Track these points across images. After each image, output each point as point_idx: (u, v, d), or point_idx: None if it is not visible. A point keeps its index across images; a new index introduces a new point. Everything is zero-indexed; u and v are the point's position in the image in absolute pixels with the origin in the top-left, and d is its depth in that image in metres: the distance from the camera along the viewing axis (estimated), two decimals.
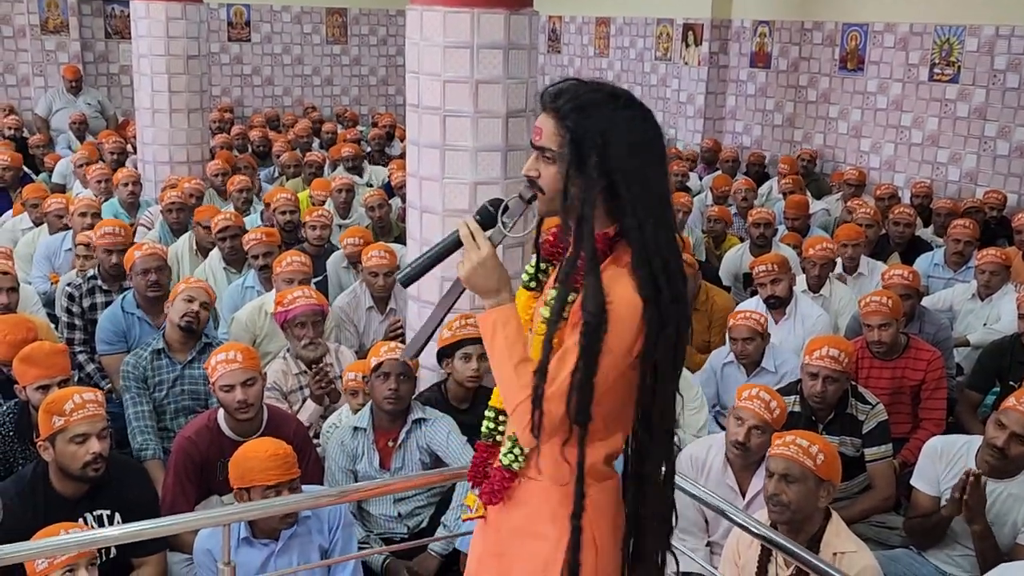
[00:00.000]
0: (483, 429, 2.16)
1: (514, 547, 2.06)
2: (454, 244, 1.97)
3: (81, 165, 8.15)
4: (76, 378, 4.60)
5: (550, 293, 1.95)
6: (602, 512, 2.01)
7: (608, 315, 1.84)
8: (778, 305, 5.20)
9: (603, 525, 2.02)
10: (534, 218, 2.05)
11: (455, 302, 2.03)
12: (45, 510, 3.25)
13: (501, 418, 2.12)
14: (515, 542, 2.06)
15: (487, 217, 1.97)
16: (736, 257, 6.88)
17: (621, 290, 1.87)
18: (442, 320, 2.05)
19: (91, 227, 5.66)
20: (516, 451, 2.01)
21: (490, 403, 2.17)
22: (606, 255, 1.92)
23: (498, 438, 2.13)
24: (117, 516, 3.41)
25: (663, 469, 2.05)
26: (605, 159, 1.86)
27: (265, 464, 3.17)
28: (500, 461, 2.05)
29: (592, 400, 1.87)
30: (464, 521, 2.14)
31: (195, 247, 6.21)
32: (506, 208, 1.96)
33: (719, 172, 9.47)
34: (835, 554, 2.91)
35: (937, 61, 8.96)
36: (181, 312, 4.36)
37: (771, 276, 5.15)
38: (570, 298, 1.91)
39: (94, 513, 3.38)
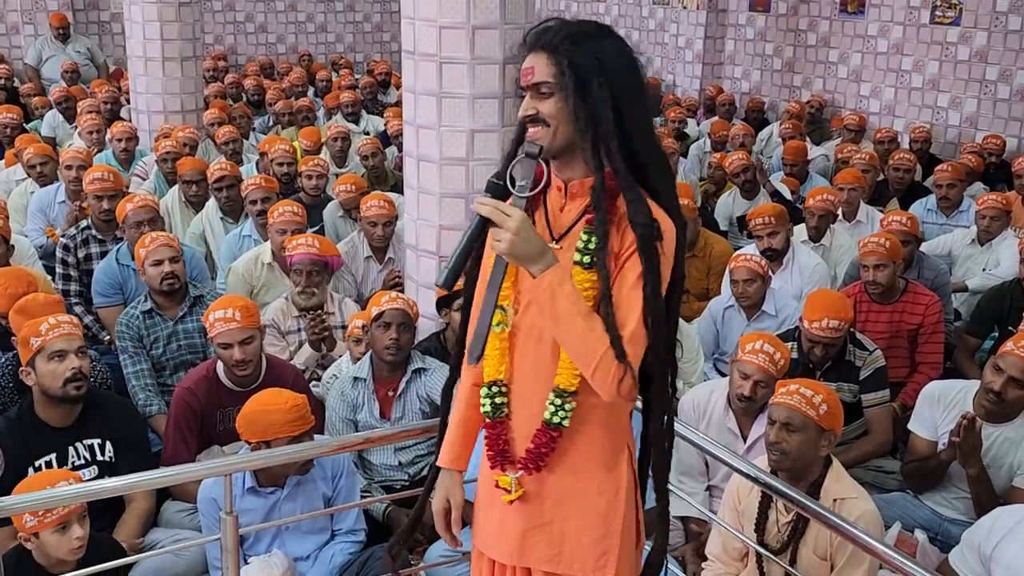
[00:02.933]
0: (488, 408, 2.05)
1: (566, 511, 2.02)
2: (480, 227, 1.90)
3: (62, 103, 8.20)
4: None
5: (582, 237, 1.92)
6: (633, 455, 2.06)
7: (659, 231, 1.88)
8: (775, 257, 5.19)
9: (635, 461, 2.06)
10: (543, 175, 1.96)
11: (501, 281, 1.97)
12: (35, 439, 3.28)
13: (504, 390, 2.05)
14: (567, 506, 2.02)
15: (498, 191, 1.92)
16: (728, 202, 6.94)
17: (658, 214, 1.90)
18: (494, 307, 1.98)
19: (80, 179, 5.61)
20: (566, 407, 1.97)
21: (486, 378, 2.07)
22: (617, 190, 1.92)
23: (506, 411, 2.06)
24: (108, 445, 3.44)
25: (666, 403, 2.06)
26: (608, 79, 1.88)
27: (288, 416, 3.16)
28: (545, 422, 1.98)
29: (663, 312, 1.89)
30: (508, 503, 2.05)
31: (183, 198, 6.16)
32: (511, 178, 1.92)
33: (717, 118, 9.41)
34: (835, 500, 2.92)
35: (939, 3, 8.84)
36: (156, 277, 4.24)
37: (768, 229, 5.12)
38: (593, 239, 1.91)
39: (84, 442, 3.41)
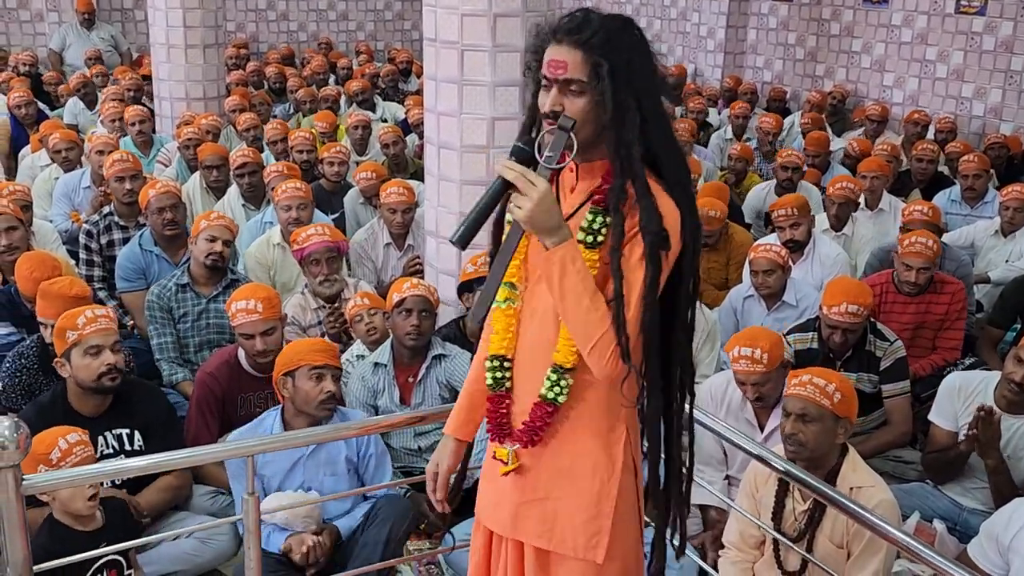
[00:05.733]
0: (489, 381, 2.09)
1: (560, 488, 2.03)
2: (500, 190, 1.87)
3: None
4: None
5: (587, 217, 1.94)
6: (635, 437, 2.05)
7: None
8: (796, 248, 5.17)
9: (637, 451, 2.05)
10: (571, 151, 1.92)
11: (515, 248, 1.96)
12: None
13: (507, 364, 2.08)
14: (561, 483, 2.03)
15: (524, 156, 1.90)
16: (760, 195, 6.83)
17: (665, 207, 1.90)
18: (505, 271, 1.98)
19: None
20: (562, 383, 1.98)
21: (491, 351, 2.09)
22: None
23: (508, 385, 2.08)
24: (136, 435, 3.49)
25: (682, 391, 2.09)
26: (633, 85, 1.89)
27: (312, 346, 3.40)
28: (542, 397, 2.00)
29: (657, 313, 1.91)
30: (503, 475, 2.10)
31: (204, 184, 6.21)
32: (538, 146, 1.91)
33: (738, 100, 9.33)
34: (852, 488, 2.91)
35: None
36: (205, 251, 4.41)
37: (790, 220, 5.11)
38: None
39: (114, 432, 3.46)
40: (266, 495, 3.32)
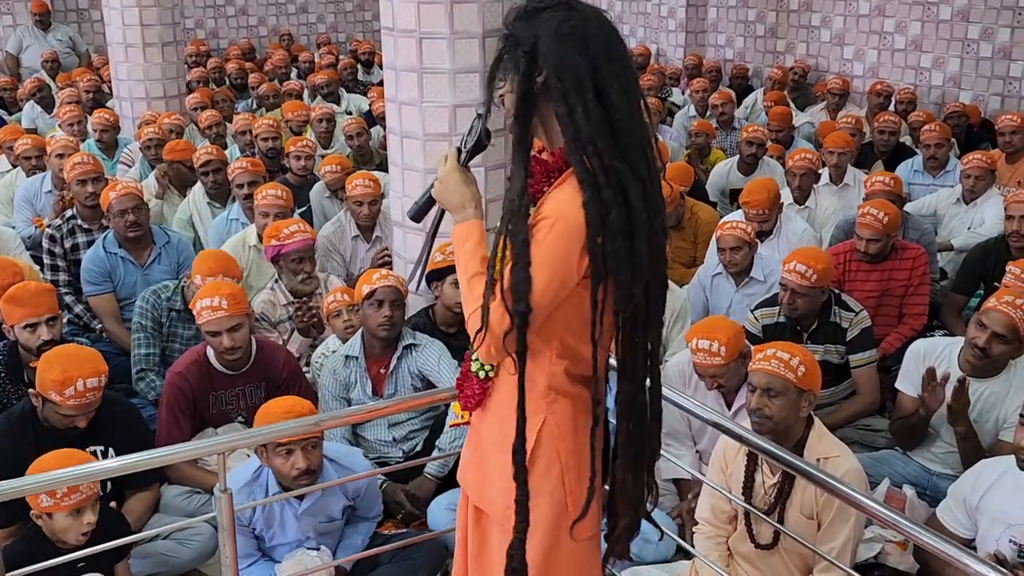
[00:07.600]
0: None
1: (492, 456, 2.09)
2: None
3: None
4: (65, 319, 4.61)
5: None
6: (564, 428, 2.02)
7: (548, 216, 1.85)
8: (764, 235, 5.20)
9: (567, 441, 2.02)
10: (487, 136, 2.02)
11: (438, 225, 2.11)
12: (36, 445, 3.27)
13: None
14: (492, 451, 2.09)
15: (478, 145, 2.04)
16: (723, 173, 6.85)
17: (564, 196, 1.86)
18: (431, 244, 2.14)
19: None
20: (478, 360, 2.07)
21: None
22: (562, 170, 1.93)
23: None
24: (111, 451, 3.45)
25: (643, 388, 2.04)
26: (534, 50, 1.86)
27: (282, 415, 3.08)
28: (470, 368, 2.09)
29: (529, 291, 1.83)
30: (451, 427, 2.19)
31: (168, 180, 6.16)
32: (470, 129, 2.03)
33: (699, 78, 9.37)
34: (819, 459, 2.95)
35: None
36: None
37: (761, 216, 5.11)
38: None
39: (88, 449, 3.42)
40: (264, 547, 3.35)
